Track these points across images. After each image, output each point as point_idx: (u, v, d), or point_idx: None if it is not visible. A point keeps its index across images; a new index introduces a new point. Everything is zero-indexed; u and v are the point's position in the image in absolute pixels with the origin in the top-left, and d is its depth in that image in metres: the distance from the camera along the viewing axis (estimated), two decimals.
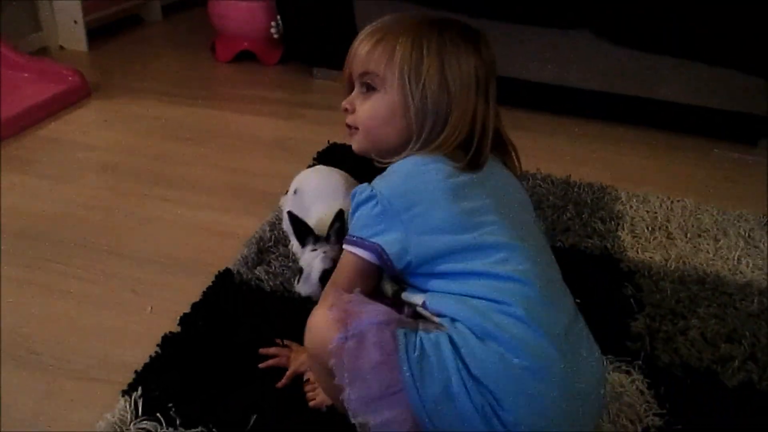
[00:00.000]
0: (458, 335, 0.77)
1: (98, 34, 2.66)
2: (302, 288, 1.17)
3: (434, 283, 0.84)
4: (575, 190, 1.66)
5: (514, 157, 0.99)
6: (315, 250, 1.18)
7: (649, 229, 1.52)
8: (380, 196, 0.83)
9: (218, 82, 2.45)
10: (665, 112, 2.07)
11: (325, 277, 1.11)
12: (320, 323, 0.81)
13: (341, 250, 1.11)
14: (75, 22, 2.52)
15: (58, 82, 2.05)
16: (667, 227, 1.53)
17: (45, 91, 1.99)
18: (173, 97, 2.19)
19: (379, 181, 0.86)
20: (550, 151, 1.93)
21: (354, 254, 0.85)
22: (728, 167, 1.93)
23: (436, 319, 0.81)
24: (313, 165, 1.72)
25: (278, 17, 2.39)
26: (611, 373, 1.08)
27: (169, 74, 2.45)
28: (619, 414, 1.01)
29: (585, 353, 0.82)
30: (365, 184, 0.86)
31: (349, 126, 0.95)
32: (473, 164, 0.87)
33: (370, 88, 0.91)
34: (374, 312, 0.79)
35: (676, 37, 1.95)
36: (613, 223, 1.53)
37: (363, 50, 0.90)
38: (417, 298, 0.85)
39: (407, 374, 0.74)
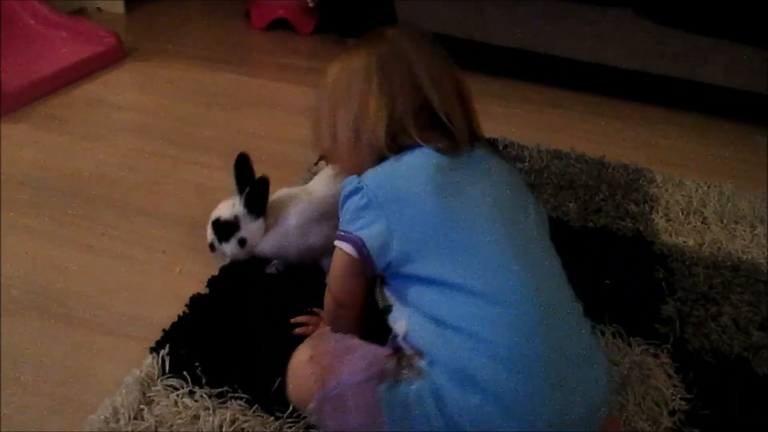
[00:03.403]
0: (438, 383, 0.73)
1: None
2: None
3: (414, 292, 0.81)
4: (609, 170, 1.63)
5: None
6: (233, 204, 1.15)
7: (684, 213, 1.49)
8: (366, 188, 0.82)
9: (252, 49, 2.44)
10: (705, 95, 2.01)
11: (217, 226, 1.14)
12: (300, 374, 0.81)
13: (249, 214, 1.12)
14: None
15: (94, 43, 2.06)
16: (702, 212, 1.50)
17: (82, 51, 2.00)
18: (207, 62, 2.19)
19: (367, 173, 0.85)
20: (585, 130, 1.90)
21: (341, 250, 0.84)
22: None
23: (416, 361, 0.77)
24: None
25: None
26: (639, 354, 1.07)
27: (204, 39, 2.45)
28: (645, 396, 1.00)
29: (583, 374, 0.77)
30: (354, 176, 0.85)
31: None
32: (452, 142, 0.86)
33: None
34: (356, 366, 0.77)
35: (720, 18, 1.90)
36: (646, 205, 1.50)
37: None
38: (399, 326, 0.82)
39: None
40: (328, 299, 0.93)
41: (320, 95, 0.95)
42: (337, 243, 0.85)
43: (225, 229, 1.13)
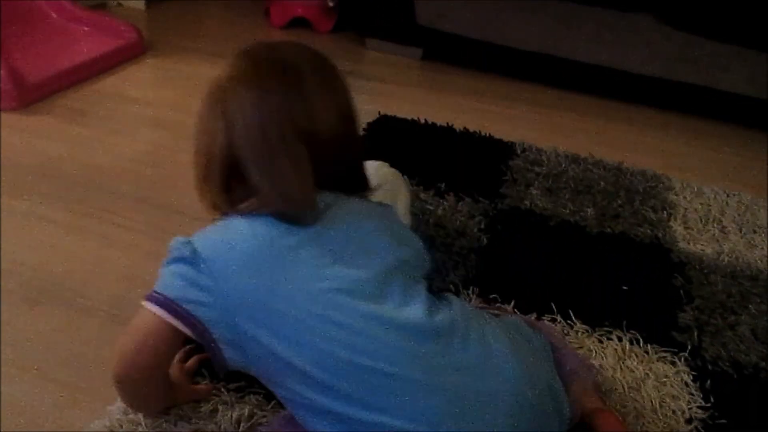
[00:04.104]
0: None
1: None
2: None
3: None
4: (627, 176, 1.62)
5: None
6: None
7: (702, 221, 1.48)
8: (203, 264, 0.73)
9: None
10: (725, 103, 2.00)
11: None
12: None
13: None
14: None
15: (116, 38, 2.07)
16: (720, 220, 1.49)
17: (103, 45, 2.01)
18: (225, 59, 2.17)
19: (202, 241, 0.75)
20: (603, 135, 1.89)
21: (163, 321, 0.72)
22: None
23: None
24: (363, 135, 1.72)
25: None
26: (656, 362, 1.07)
27: (223, 36, 2.46)
28: (662, 404, 0.99)
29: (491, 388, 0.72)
30: (184, 240, 0.76)
31: None
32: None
33: None
34: None
35: (742, 26, 1.89)
36: (665, 212, 1.49)
37: None
38: None
39: None
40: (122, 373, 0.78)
41: None
42: (157, 311, 0.72)
43: None
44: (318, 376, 0.69)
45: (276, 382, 0.74)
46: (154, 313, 0.73)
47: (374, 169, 1.24)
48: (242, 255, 0.72)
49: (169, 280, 0.74)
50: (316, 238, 0.74)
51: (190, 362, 0.96)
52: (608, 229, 1.41)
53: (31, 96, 1.73)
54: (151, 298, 0.74)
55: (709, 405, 1.00)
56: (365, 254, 0.76)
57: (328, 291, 0.71)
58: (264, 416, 0.90)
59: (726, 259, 1.35)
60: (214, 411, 0.90)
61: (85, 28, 2.12)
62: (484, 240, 1.33)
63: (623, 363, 1.06)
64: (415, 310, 0.73)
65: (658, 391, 1.02)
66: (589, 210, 1.46)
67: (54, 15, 2.14)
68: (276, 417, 0.88)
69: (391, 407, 0.69)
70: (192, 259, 0.73)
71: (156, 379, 0.80)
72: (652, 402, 1.00)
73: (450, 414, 0.69)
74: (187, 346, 0.97)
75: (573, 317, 1.14)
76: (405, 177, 1.28)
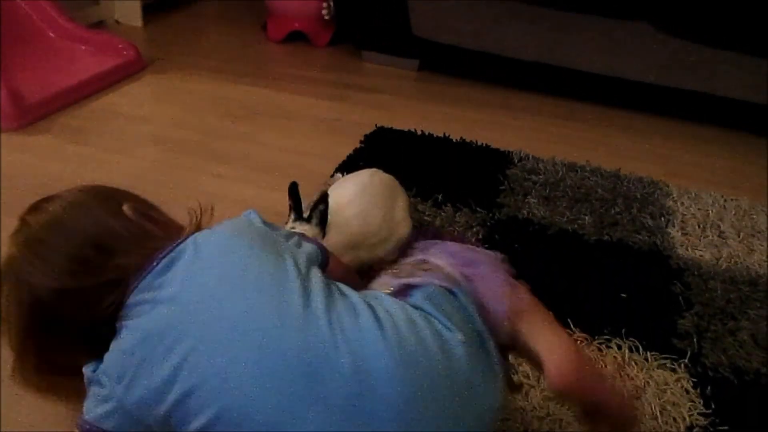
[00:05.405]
0: None
1: (153, 9, 2.70)
2: None
3: None
4: (625, 183, 1.63)
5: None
6: (293, 228, 1.09)
7: (701, 227, 1.48)
8: (102, 375, 0.73)
9: (269, 61, 2.46)
10: (723, 109, 2.01)
11: None
12: None
13: (321, 232, 1.10)
14: None
15: (114, 56, 2.09)
16: (719, 226, 1.49)
17: (102, 63, 2.03)
18: (224, 74, 2.21)
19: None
20: (600, 143, 1.90)
21: None
22: None
23: None
24: (360, 148, 1.73)
25: None
26: (656, 369, 1.07)
27: (221, 51, 2.48)
28: (663, 411, 0.99)
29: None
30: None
31: None
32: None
33: None
34: None
35: (738, 32, 1.90)
36: (663, 219, 1.50)
37: None
38: None
39: None
40: None
41: None
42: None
43: None
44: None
45: None
46: None
47: (369, 176, 1.25)
48: (124, 349, 0.72)
49: (86, 405, 0.74)
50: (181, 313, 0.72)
51: None
52: (606, 237, 1.41)
53: (31, 115, 1.74)
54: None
55: (710, 411, 1.00)
56: (235, 289, 0.73)
57: (209, 354, 0.68)
58: None
59: (725, 264, 1.35)
60: None
61: (84, 47, 2.14)
62: None
63: (623, 371, 1.06)
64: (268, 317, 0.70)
65: (659, 399, 1.02)
66: (587, 218, 1.47)
67: (52, 34, 2.16)
68: None
69: None
70: (96, 378, 0.73)
71: None
72: (652, 409, 0.99)
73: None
74: None
75: (572, 326, 1.14)
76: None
